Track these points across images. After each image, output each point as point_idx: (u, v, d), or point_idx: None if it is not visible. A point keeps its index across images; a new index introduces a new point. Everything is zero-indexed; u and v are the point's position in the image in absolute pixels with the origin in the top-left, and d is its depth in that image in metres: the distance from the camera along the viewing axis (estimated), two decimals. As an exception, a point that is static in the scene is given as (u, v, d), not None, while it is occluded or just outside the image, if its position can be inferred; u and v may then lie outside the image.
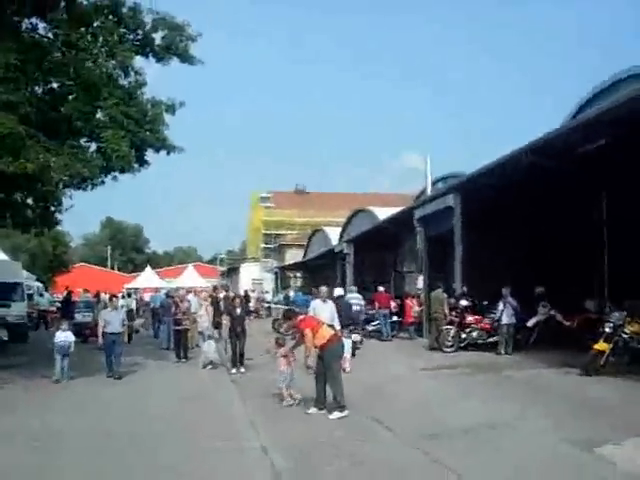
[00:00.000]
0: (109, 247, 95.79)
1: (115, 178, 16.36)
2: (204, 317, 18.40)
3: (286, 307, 29.47)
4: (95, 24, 15.71)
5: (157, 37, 16.60)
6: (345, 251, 32.65)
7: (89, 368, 15.43)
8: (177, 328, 18.14)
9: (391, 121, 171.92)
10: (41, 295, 36.04)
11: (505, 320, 17.39)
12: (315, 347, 10.03)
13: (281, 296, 39.17)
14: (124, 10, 16.20)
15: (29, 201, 18.17)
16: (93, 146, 15.90)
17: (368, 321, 23.23)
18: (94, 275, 72.89)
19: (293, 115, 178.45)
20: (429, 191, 25.34)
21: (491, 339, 18.07)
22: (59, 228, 31.72)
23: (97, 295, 27.95)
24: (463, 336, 18.32)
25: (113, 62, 16.03)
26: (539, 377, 13.30)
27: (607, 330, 12.76)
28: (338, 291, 17.56)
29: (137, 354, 17.94)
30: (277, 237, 68.52)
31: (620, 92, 14.20)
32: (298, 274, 53.94)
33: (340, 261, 34.52)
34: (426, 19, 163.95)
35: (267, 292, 50.89)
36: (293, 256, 57.01)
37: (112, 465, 7.41)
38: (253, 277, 59.31)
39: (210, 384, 13.83)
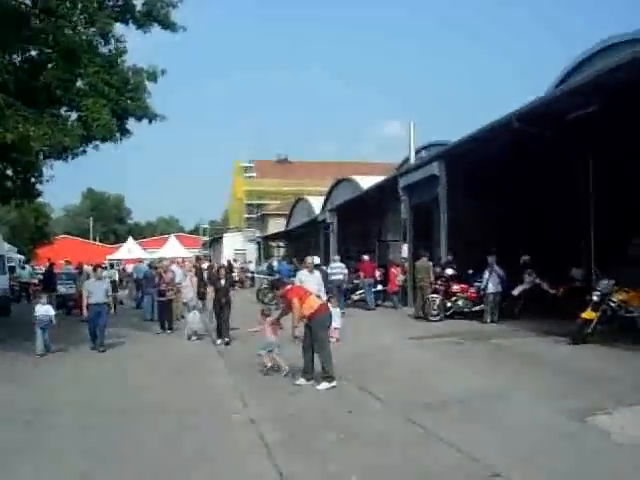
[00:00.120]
0: (91, 218, 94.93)
1: (97, 147, 16.14)
2: (188, 288, 18.35)
3: (270, 277, 29.40)
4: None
5: (138, 3, 16.18)
6: (328, 220, 32.57)
7: (73, 340, 15.34)
8: (161, 299, 17.94)
9: (374, 88, 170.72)
10: (23, 267, 35.82)
11: (491, 289, 17.41)
12: (303, 317, 9.94)
13: (265, 266, 39.00)
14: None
15: (9, 172, 17.88)
16: (73, 115, 15.60)
17: (352, 290, 23.25)
18: (76, 247, 72.37)
19: (273, 83, 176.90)
20: (412, 159, 25.20)
21: (476, 308, 18.08)
22: (40, 199, 31.28)
23: (79, 267, 27.63)
24: (449, 305, 18.32)
25: (93, 29, 15.55)
26: (527, 345, 13.32)
27: (594, 298, 12.73)
28: (315, 260, 17.40)
29: (121, 325, 17.76)
30: (260, 207, 68.26)
31: (604, 61, 14.06)
32: (281, 244, 53.75)
33: (323, 230, 34.43)
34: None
35: (250, 262, 50.74)
36: (276, 226, 56.73)
37: (99, 440, 7.31)
38: (236, 247, 58.99)
39: (196, 355, 13.72)
